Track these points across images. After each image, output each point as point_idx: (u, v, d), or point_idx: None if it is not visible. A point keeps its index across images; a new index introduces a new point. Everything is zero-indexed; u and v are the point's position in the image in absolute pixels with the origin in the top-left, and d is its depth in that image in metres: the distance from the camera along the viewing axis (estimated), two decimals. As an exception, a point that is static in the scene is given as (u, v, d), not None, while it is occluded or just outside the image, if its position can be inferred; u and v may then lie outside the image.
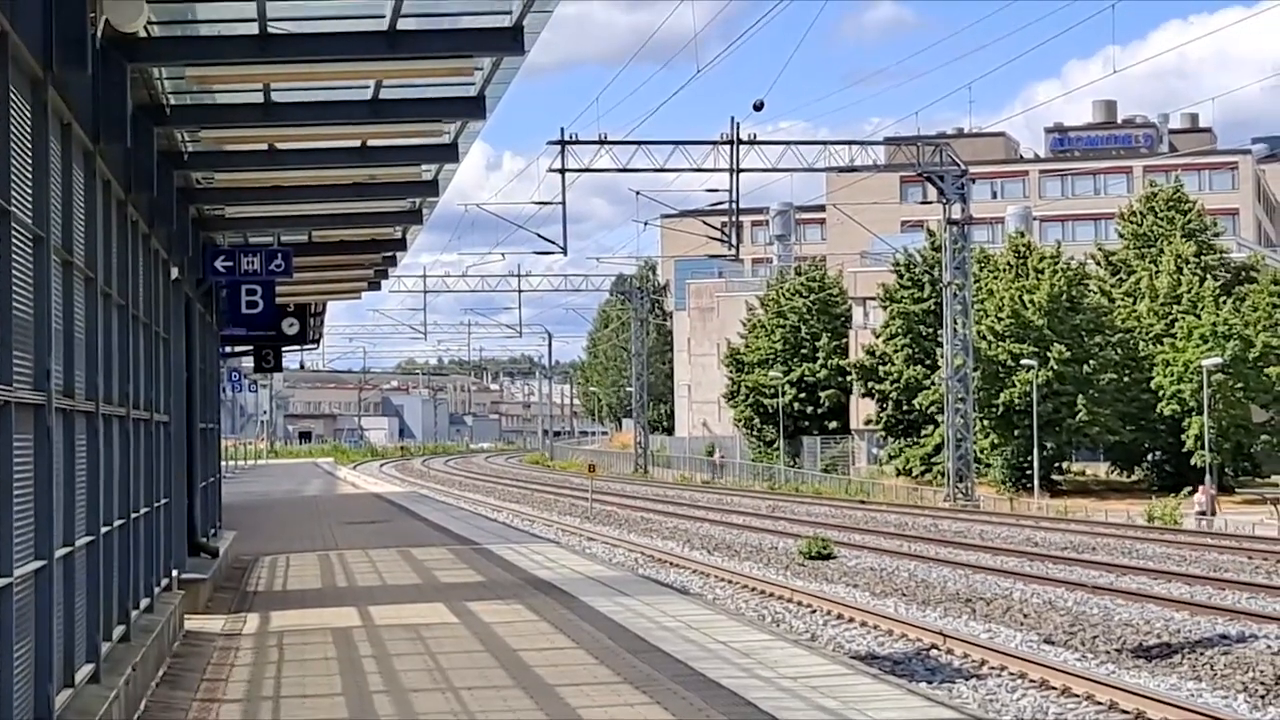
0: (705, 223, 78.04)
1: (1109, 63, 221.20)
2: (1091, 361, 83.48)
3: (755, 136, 70.13)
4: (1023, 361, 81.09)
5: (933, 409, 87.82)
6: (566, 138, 69.36)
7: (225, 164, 23.67)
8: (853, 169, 76.88)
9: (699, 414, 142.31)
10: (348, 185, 26.07)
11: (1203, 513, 61.72)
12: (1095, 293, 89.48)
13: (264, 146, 22.75)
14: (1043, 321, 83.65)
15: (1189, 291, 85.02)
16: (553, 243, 75.76)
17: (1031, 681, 21.53)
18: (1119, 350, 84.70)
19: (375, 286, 42.43)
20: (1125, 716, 19.30)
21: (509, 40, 16.96)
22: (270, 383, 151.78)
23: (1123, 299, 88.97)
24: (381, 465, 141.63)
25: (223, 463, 49.41)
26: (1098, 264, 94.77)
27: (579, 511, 65.32)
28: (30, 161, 11.45)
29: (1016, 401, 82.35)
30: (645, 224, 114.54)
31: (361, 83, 19.33)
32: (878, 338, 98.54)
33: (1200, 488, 65.52)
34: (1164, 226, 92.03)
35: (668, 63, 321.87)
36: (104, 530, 14.76)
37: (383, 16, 16.42)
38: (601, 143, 69.84)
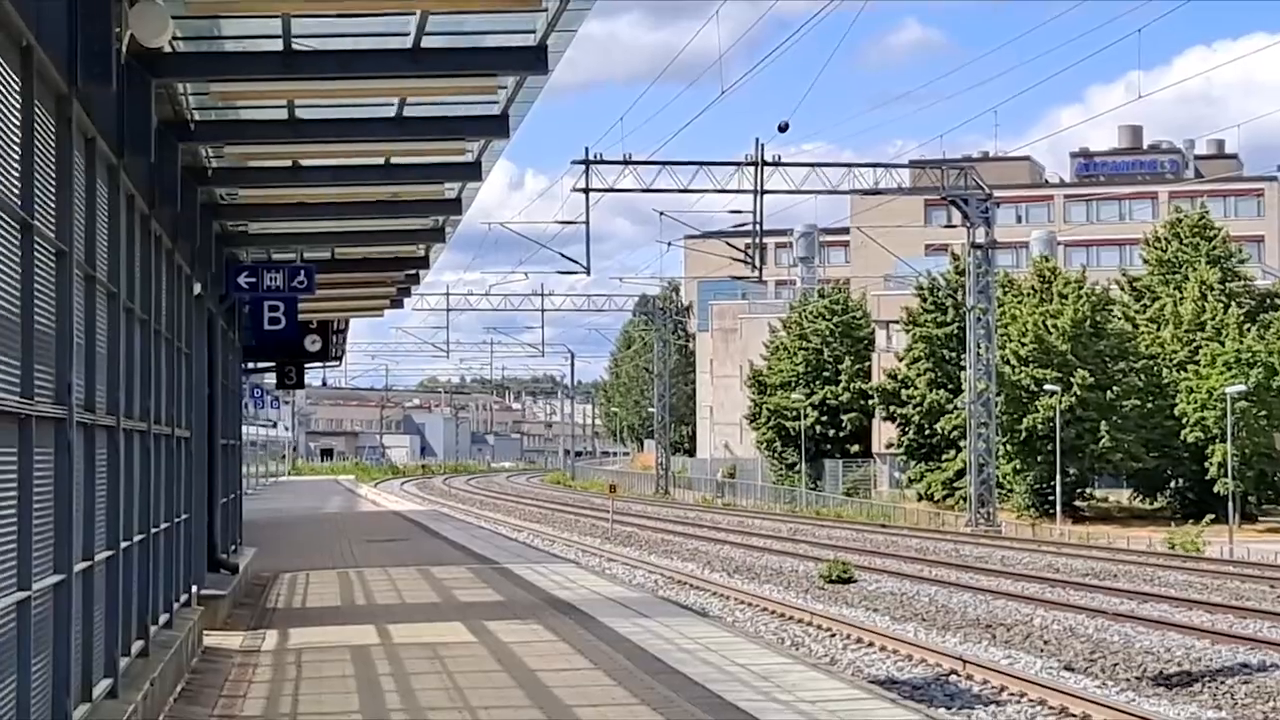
0: (729, 244, 78.00)
1: (1132, 88, 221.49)
2: (1115, 388, 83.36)
3: (780, 158, 70.11)
4: (1046, 387, 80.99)
5: (955, 433, 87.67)
6: (591, 157, 69.42)
7: (249, 180, 23.73)
8: (877, 191, 76.86)
9: (721, 435, 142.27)
10: (371, 203, 26.12)
11: None
12: (1119, 318, 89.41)
13: (288, 163, 22.81)
14: (1066, 347, 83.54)
15: (1213, 318, 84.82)
16: (576, 262, 75.86)
17: (1051, 708, 21.46)
18: (1142, 377, 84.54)
19: (398, 304, 42.47)
20: (1145, 744, 19.24)
21: (533, 59, 16.97)
22: (292, 399, 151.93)
23: (1147, 325, 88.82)
24: (403, 483, 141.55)
25: (244, 479, 49.44)
26: (1122, 289, 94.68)
27: (599, 532, 65.27)
28: (54, 176, 11.48)
29: (1039, 427, 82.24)
30: (669, 244, 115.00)
31: (385, 100, 19.36)
32: (900, 361, 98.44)
33: None
34: (1189, 253, 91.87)
35: (693, 83, 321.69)
36: (123, 545, 14.77)
37: (407, 35, 16.44)
38: (626, 163, 69.84)
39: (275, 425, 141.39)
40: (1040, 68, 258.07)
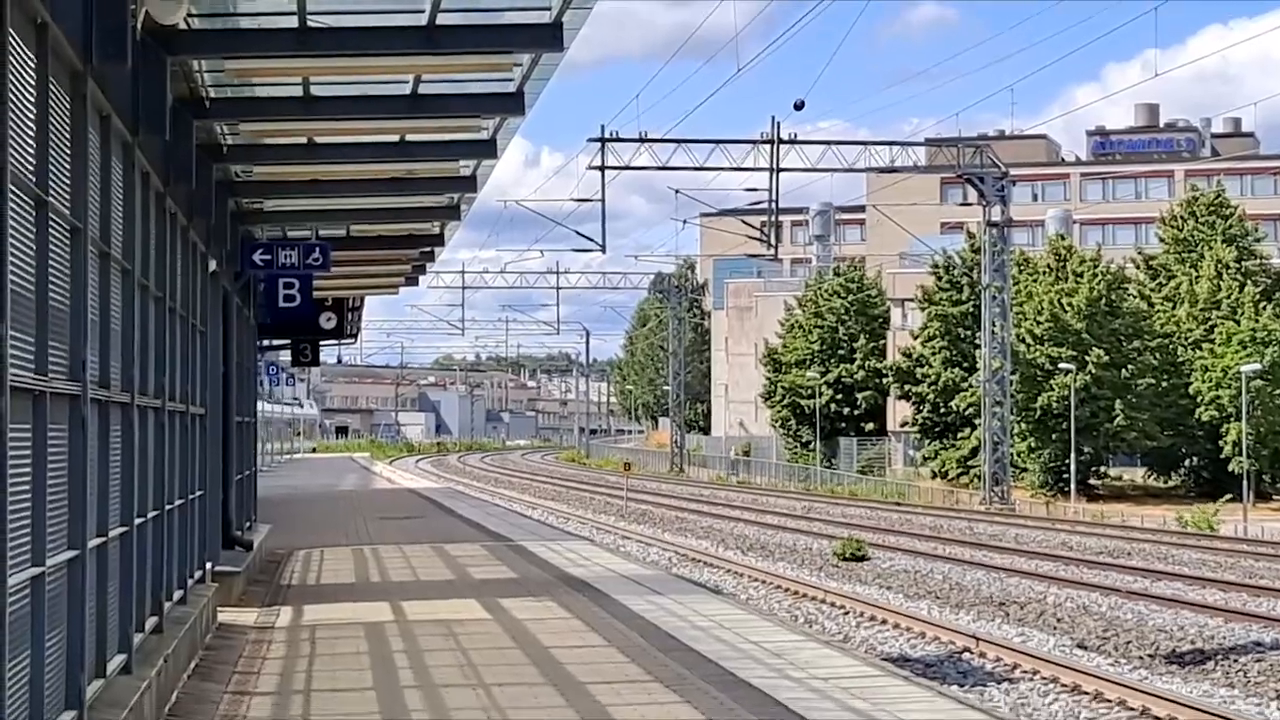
0: (744, 222, 77.91)
1: (1148, 66, 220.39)
2: (1130, 366, 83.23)
3: (795, 136, 70.27)
4: (1061, 365, 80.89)
5: (970, 411, 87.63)
6: (606, 135, 69.43)
7: (264, 157, 23.73)
8: (893, 170, 76.80)
9: (736, 414, 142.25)
10: (386, 180, 26.09)
11: None
12: (1135, 297, 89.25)
13: (303, 140, 22.79)
14: (1081, 325, 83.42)
15: (1228, 297, 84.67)
16: (591, 240, 75.95)
17: (1063, 686, 21.46)
18: (1157, 355, 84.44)
19: (413, 282, 42.49)
20: (1158, 723, 19.22)
21: (548, 36, 16.97)
22: (308, 377, 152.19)
23: (1162, 304, 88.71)
24: (418, 461, 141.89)
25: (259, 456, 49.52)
26: (1137, 268, 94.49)
27: (614, 510, 65.35)
28: (69, 153, 11.49)
29: (1054, 405, 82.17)
30: (684, 222, 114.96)
31: (400, 77, 19.35)
32: (915, 339, 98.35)
33: None
34: (1205, 231, 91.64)
35: (709, 60, 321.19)
36: (138, 521, 14.80)
37: (422, 11, 16.44)
38: (641, 140, 69.89)
39: (301, 404, 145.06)
40: (1056, 46, 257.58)
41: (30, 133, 10.08)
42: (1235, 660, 24.19)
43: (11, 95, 9.31)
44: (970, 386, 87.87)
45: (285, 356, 61.68)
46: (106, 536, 13.01)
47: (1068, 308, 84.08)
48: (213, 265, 23.59)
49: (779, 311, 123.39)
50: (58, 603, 10.92)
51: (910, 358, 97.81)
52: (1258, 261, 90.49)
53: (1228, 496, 71.49)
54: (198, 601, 19.47)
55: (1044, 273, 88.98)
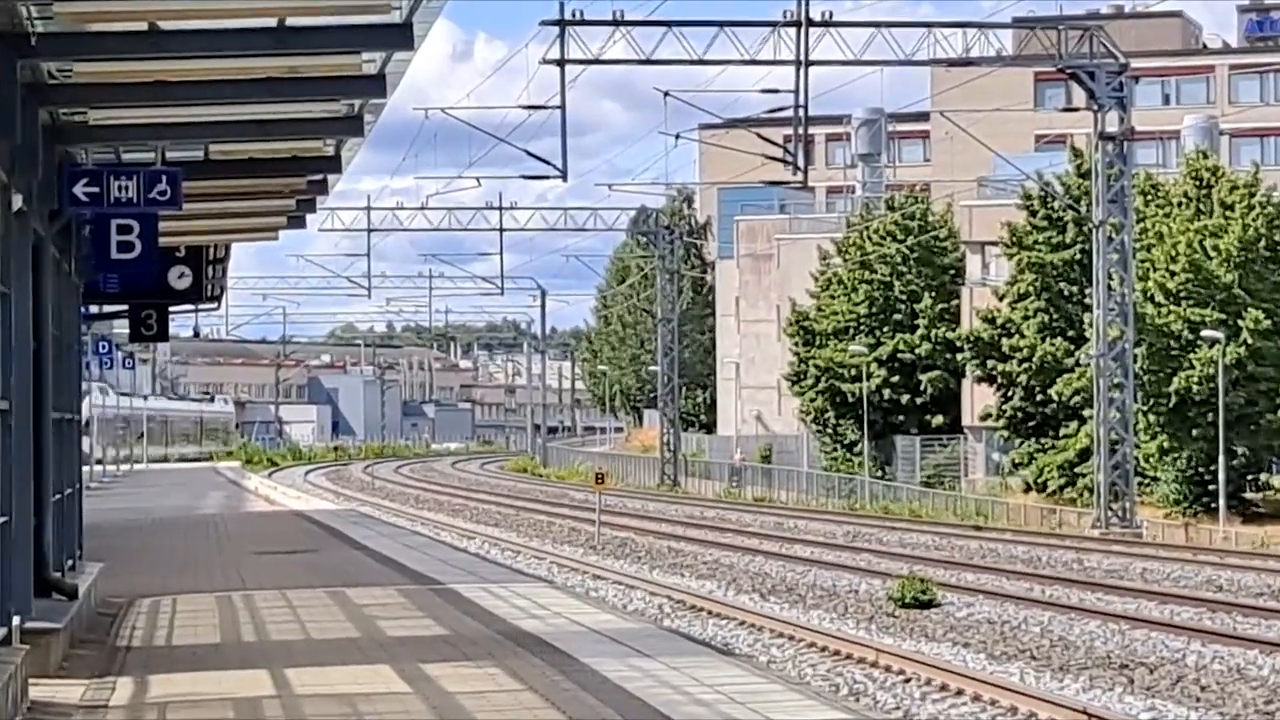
0: (761, 136, 77.90)
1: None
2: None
3: (832, 15, 70.06)
4: (1205, 334, 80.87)
5: (1077, 399, 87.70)
6: (566, 15, 69.32)
7: (89, 49, 23.60)
8: (968, 62, 76.83)
9: (751, 404, 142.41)
10: (260, 80, 26.01)
11: None
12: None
13: (143, 25, 22.69)
14: (1233, 277, 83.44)
15: None
16: (547, 163, 75.91)
17: (1210, 780, 21.58)
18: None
19: (298, 223, 42.43)
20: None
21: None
22: (153, 356, 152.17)
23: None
24: (308, 472, 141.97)
25: (86, 467, 49.52)
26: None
27: (582, 539, 65.53)
28: None
29: (1195, 390, 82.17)
30: (677, 138, 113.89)
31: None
32: (1001, 299, 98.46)
33: None
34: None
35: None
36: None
37: None
38: (616, 23, 69.85)
39: (212, 399, 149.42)
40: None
41: None
42: None
43: None
44: (1078, 364, 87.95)
45: (121, 328, 61.69)
46: None
47: (1214, 253, 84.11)
48: (17, 201, 23.52)
49: (811, 261, 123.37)
50: None
51: (994, 324, 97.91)
52: None
53: None
54: (2, 671, 19.48)
55: (1180, 205, 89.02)
